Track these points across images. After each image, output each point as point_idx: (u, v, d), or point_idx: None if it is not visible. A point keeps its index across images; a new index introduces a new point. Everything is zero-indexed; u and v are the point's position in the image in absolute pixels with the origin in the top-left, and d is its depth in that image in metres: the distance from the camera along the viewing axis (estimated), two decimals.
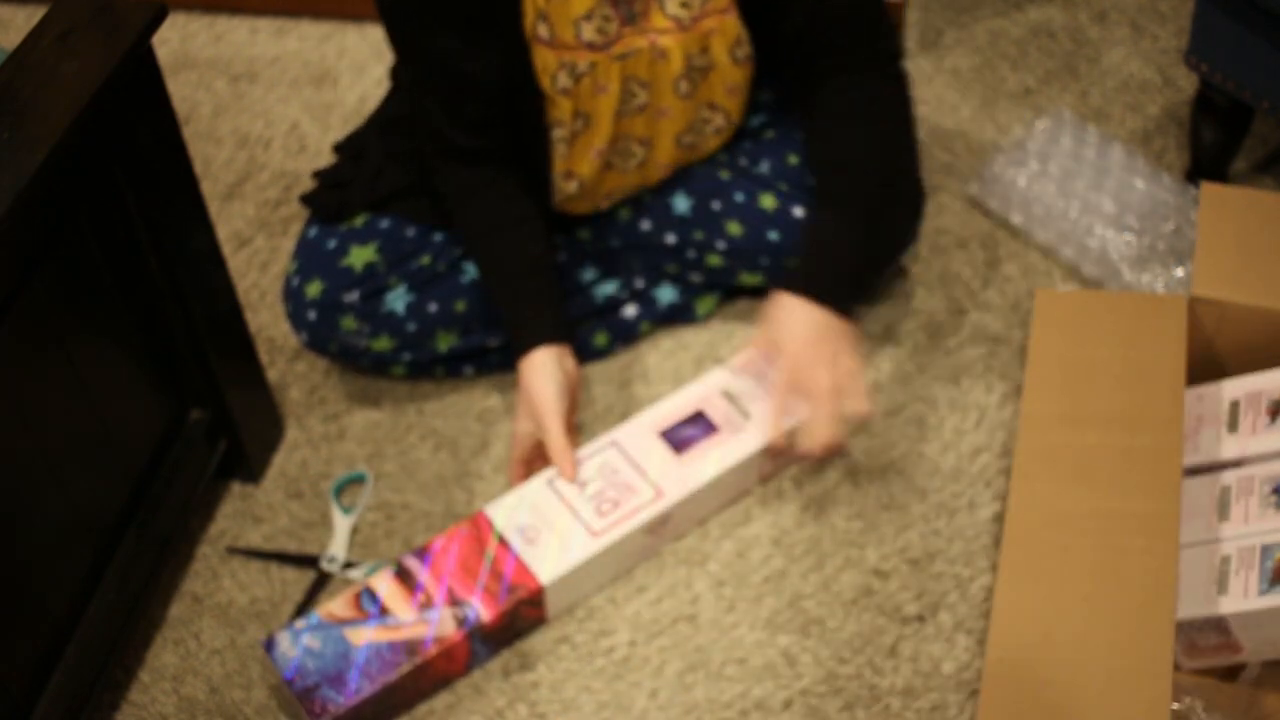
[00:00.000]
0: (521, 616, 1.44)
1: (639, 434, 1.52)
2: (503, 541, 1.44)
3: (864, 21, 1.48)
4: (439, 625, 1.39)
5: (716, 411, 1.53)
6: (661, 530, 1.50)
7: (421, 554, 1.44)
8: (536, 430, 1.50)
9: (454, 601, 1.40)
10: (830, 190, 1.50)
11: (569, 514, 1.46)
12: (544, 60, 1.43)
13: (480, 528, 1.45)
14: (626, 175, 1.57)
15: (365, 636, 1.38)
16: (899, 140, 1.54)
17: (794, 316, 1.44)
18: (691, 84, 1.48)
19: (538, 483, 1.49)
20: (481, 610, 1.40)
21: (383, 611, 1.40)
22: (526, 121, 1.49)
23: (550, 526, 1.45)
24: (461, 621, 1.39)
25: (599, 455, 1.50)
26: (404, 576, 1.42)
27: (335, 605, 1.41)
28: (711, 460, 1.50)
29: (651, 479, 1.48)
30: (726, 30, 1.45)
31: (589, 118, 1.48)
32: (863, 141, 1.49)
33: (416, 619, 1.39)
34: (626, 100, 1.48)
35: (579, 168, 1.53)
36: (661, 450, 1.51)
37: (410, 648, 1.38)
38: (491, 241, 1.53)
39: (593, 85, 1.45)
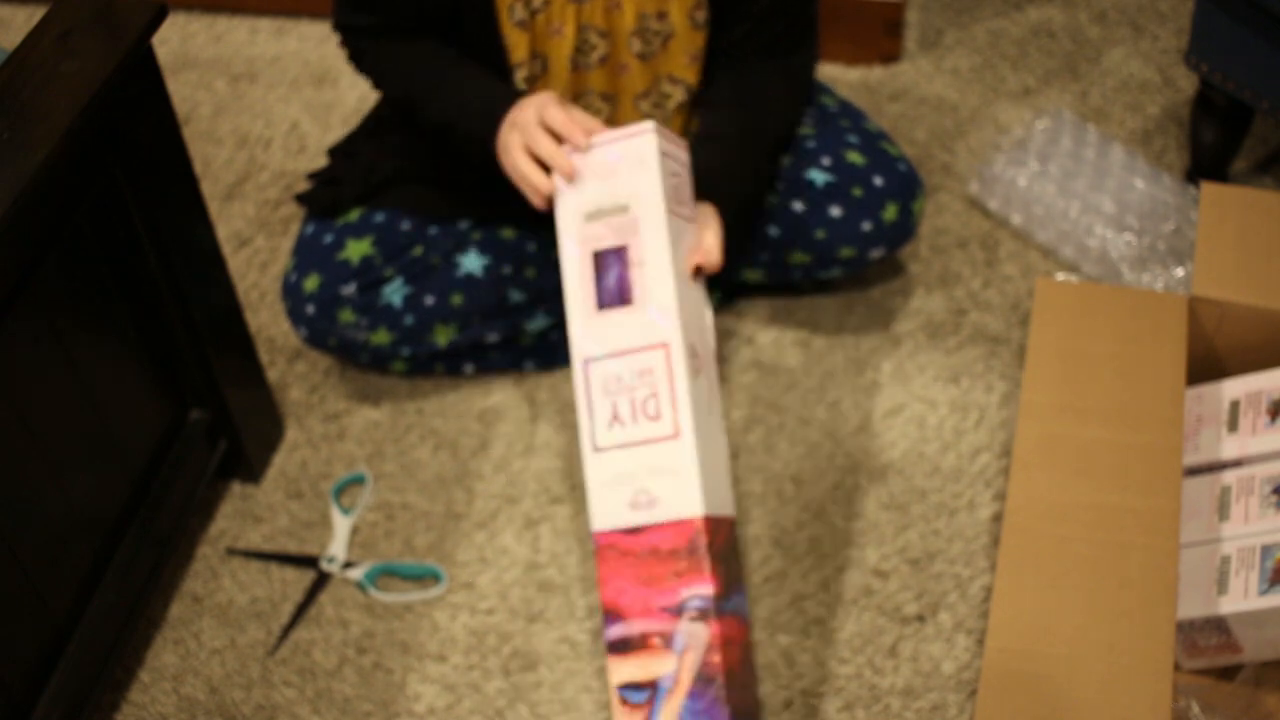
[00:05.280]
0: (718, 542, 1.26)
1: (587, 335, 1.30)
2: (632, 530, 1.25)
3: (794, 31, 1.51)
4: (694, 637, 1.22)
5: (604, 240, 1.31)
6: (699, 361, 1.30)
7: (608, 617, 1.25)
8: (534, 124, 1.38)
9: (674, 610, 1.23)
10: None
11: (642, 449, 1.26)
12: None
13: (609, 543, 1.26)
14: None
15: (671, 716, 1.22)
16: (772, 128, 1.54)
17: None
18: (646, 45, 1.49)
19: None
20: (700, 589, 1.22)
21: (649, 686, 1.23)
22: (486, 61, 1.49)
23: (643, 471, 1.25)
24: (704, 614, 1.22)
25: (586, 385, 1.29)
26: (623, 645, 1.23)
27: None
28: (651, 271, 1.29)
29: (642, 336, 1.28)
30: None
31: (545, 60, 1.49)
32: (737, 126, 1.49)
33: (673, 657, 1.22)
34: (585, 50, 1.49)
35: None
36: (616, 317, 1.29)
37: (705, 678, 1.22)
38: (431, 72, 1.48)
39: (547, 24, 1.46)
